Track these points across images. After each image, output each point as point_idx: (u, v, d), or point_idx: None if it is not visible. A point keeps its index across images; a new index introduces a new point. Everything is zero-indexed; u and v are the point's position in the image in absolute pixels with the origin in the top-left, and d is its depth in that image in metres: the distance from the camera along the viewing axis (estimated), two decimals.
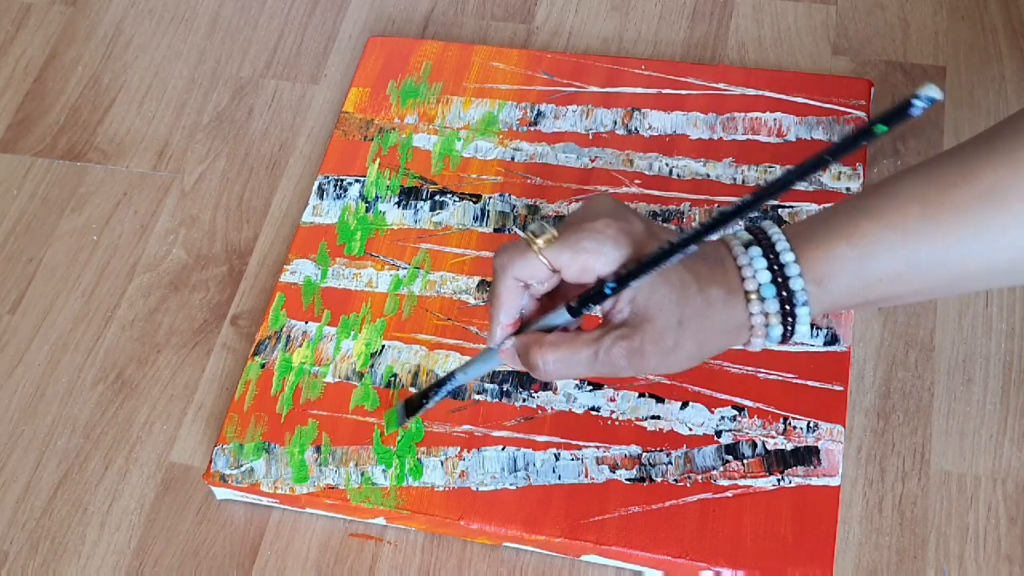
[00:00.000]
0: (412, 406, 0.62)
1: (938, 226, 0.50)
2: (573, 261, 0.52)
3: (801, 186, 0.73)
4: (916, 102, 0.40)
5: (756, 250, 0.52)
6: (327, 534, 0.66)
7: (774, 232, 0.52)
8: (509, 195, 0.75)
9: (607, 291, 0.52)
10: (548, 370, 0.53)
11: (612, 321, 0.53)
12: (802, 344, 0.67)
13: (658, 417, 0.65)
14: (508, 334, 0.55)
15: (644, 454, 0.64)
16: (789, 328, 0.52)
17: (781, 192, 0.47)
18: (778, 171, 0.74)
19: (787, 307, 0.51)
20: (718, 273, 0.52)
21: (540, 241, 0.52)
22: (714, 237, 0.50)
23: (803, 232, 0.52)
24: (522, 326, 0.56)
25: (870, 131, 0.43)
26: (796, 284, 0.51)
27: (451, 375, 0.60)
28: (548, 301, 0.56)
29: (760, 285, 0.51)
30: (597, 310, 0.54)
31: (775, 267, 0.51)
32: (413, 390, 0.68)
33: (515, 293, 0.54)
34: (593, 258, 0.52)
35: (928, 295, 0.54)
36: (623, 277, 0.51)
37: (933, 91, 0.40)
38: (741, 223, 0.53)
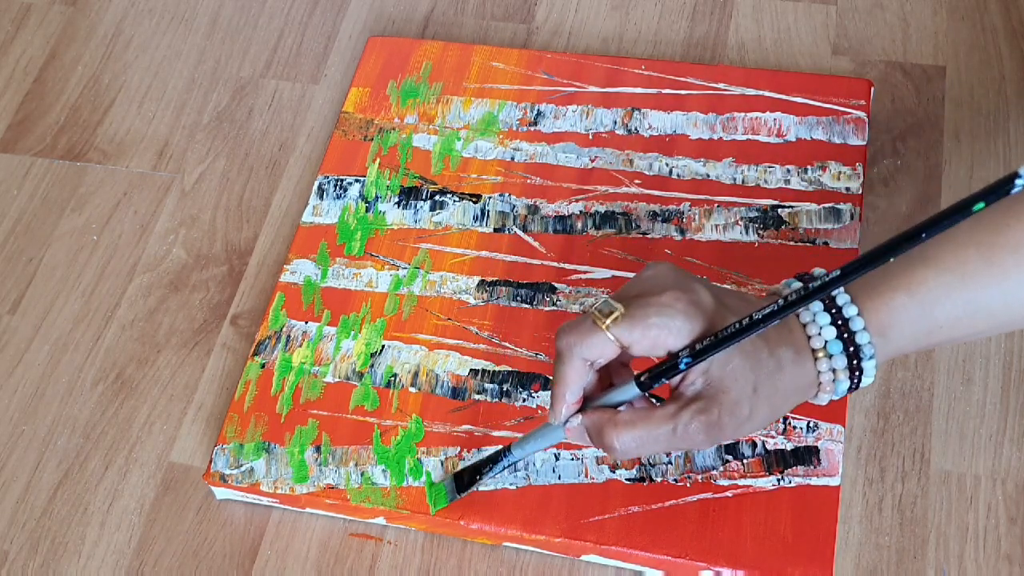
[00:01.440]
0: (464, 482, 0.61)
1: (994, 268, 0.50)
2: (644, 337, 0.51)
3: (801, 186, 0.73)
4: (1019, 181, 0.40)
5: (818, 306, 0.52)
6: (327, 534, 0.66)
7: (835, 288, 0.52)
8: (509, 195, 0.75)
9: (681, 367, 0.51)
10: (625, 449, 0.53)
11: (684, 394, 0.52)
12: None
13: None
14: (573, 412, 0.54)
15: None
16: (856, 381, 0.52)
17: (863, 272, 0.47)
18: (778, 171, 0.74)
19: (855, 361, 0.51)
20: (784, 333, 0.52)
21: (608, 320, 0.51)
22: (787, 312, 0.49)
23: (862, 285, 0.52)
24: (585, 401, 0.55)
25: (968, 208, 0.42)
26: (863, 339, 0.51)
27: (507, 450, 0.59)
28: (606, 373, 0.55)
29: (827, 342, 0.51)
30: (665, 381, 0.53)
31: (839, 322, 0.51)
32: (413, 390, 0.68)
33: (581, 373, 0.53)
34: (664, 334, 0.51)
35: (989, 334, 0.54)
36: (698, 352, 0.51)
37: None
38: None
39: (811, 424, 0.64)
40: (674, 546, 0.61)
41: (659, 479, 0.64)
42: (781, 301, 0.49)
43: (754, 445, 0.64)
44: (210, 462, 0.67)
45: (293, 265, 0.74)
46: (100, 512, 0.68)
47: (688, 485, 0.63)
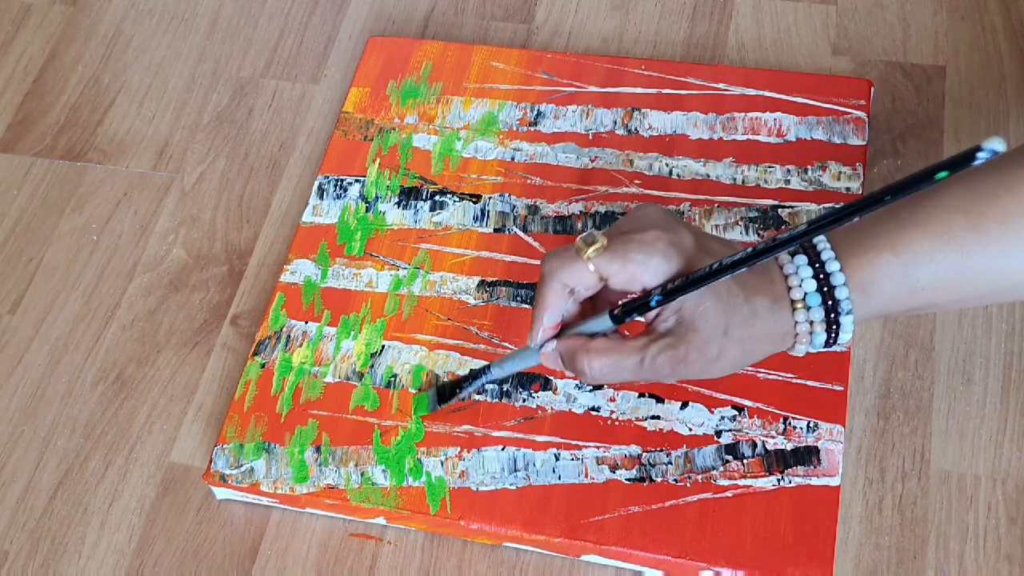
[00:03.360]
0: (445, 394, 0.63)
1: (981, 236, 0.51)
2: (621, 271, 0.53)
3: (801, 186, 0.73)
4: (980, 154, 0.40)
5: (802, 259, 0.52)
6: (327, 534, 0.66)
7: (819, 241, 0.53)
8: (509, 195, 0.75)
9: (652, 303, 0.52)
10: (594, 375, 0.54)
11: (657, 329, 0.53)
12: None
13: (658, 417, 0.65)
14: (549, 336, 0.56)
15: (644, 454, 0.64)
16: (833, 335, 0.53)
17: (835, 226, 0.47)
18: (778, 171, 0.74)
19: (832, 315, 0.52)
20: (764, 282, 0.53)
21: (590, 251, 0.53)
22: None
23: (847, 240, 0.52)
24: (562, 329, 0.56)
25: (931, 176, 0.43)
26: (842, 293, 0.52)
27: (486, 368, 0.61)
28: (589, 305, 0.57)
29: (806, 294, 0.52)
30: (640, 318, 0.54)
31: (820, 276, 0.52)
32: (413, 391, 0.68)
33: (560, 298, 0.55)
34: (641, 269, 0.52)
35: (970, 303, 0.54)
36: (670, 291, 0.52)
37: (998, 144, 0.40)
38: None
39: (811, 424, 0.64)
40: (674, 546, 0.61)
41: (659, 479, 0.64)
42: (751, 249, 0.50)
43: (754, 445, 0.64)
44: (210, 462, 0.67)
45: (293, 265, 0.74)
46: (100, 512, 0.68)
47: (688, 485, 0.63)
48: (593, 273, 0.53)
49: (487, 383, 0.61)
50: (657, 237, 0.53)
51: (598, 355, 0.54)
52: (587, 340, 0.55)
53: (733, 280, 0.52)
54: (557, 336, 0.56)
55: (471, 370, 0.62)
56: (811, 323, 0.52)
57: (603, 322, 0.55)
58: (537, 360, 0.58)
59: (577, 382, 0.67)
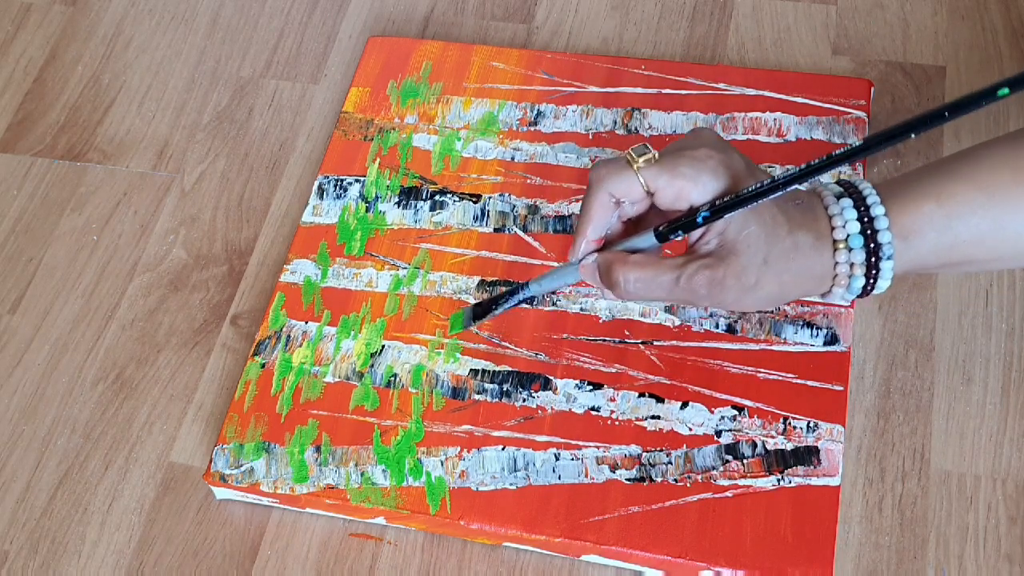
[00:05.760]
0: (480, 311, 0.61)
1: None
2: (670, 185, 0.52)
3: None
4: None
5: (848, 201, 0.53)
6: (327, 534, 0.66)
7: (865, 187, 0.53)
8: (509, 195, 0.75)
9: (699, 220, 0.52)
10: (628, 289, 0.54)
11: (698, 251, 0.53)
12: (803, 344, 0.67)
13: (658, 417, 0.65)
14: (591, 250, 0.56)
15: (644, 454, 0.64)
16: (871, 281, 0.53)
17: (888, 145, 0.48)
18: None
19: (873, 259, 0.52)
20: (809, 219, 0.53)
21: (640, 160, 0.53)
22: (807, 185, 0.51)
23: (893, 189, 0.53)
24: (604, 246, 0.56)
25: (993, 92, 0.43)
26: (884, 237, 0.52)
27: (524, 285, 0.59)
28: (632, 227, 0.56)
29: (849, 235, 0.52)
30: (683, 238, 0.54)
31: (865, 219, 0.52)
32: (413, 391, 0.68)
33: (606, 209, 0.54)
34: (690, 185, 0.52)
35: (1008, 263, 0.55)
36: (717, 208, 0.52)
37: None
38: (830, 176, 0.54)
39: (811, 424, 0.64)
40: (674, 546, 0.61)
41: (659, 479, 0.64)
42: (803, 167, 0.50)
43: (754, 445, 0.64)
44: (210, 462, 0.67)
45: (293, 265, 0.74)
46: (100, 512, 0.68)
47: (688, 485, 0.63)
48: (642, 185, 0.53)
49: (524, 300, 0.59)
50: (709, 155, 0.53)
51: (635, 268, 0.53)
52: (626, 255, 0.54)
53: (779, 212, 0.52)
54: (598, 251, 0.56)
55: (507, 289, 0.60)
56: (851, 265, 0.53)
57: (646, 239, 0.54)
58: (577, 276, 0.56)
59: (577, 382, 0.67)
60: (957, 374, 0.67)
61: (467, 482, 0.65)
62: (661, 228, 0.54)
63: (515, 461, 0.65)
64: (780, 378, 0.66)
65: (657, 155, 0.53)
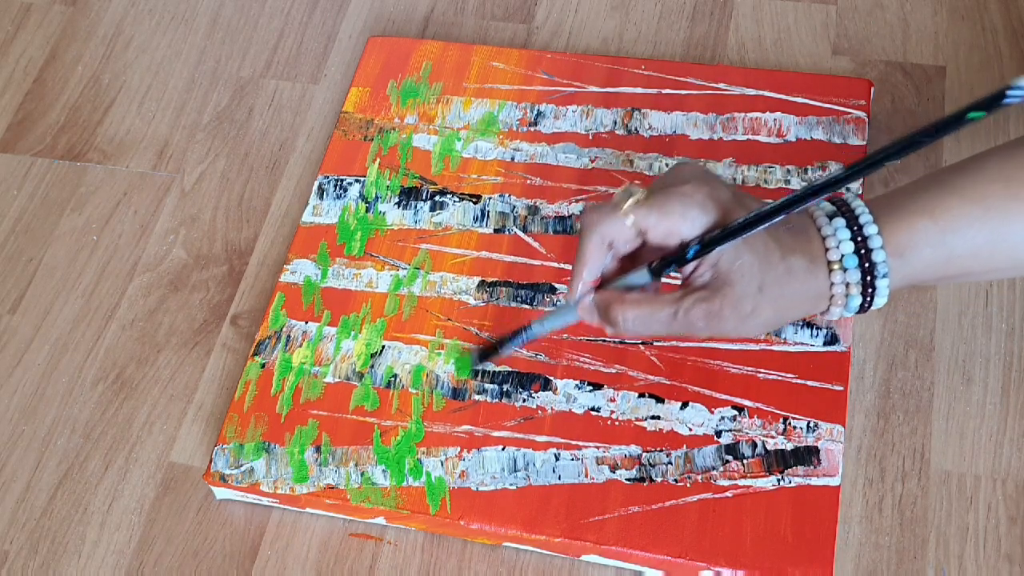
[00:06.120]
0: (486, 352, 0.62)
1: (1020, 203, 0.51)
2: (659, 223, 0.53)
3: (801, 186, 0.72)
4: (1010, 92, 0.40)
5: (840, 221, 0.53)
6: (327, 534, 0.66)
7: (857, 205, 0.53)
8: (509, 195, 0.75)
9: (689, 255, 0.53)
10: (627, 327, 0.55)
11: (693, 284, 0.54)
12: (803, 344, 0.67)
13: (658, 417, 0.65)
14: (588, 291, 0.56)
15: (644, 454, 0.64)
16: (868, 299, 0.53)
17: (871, 171, 0.48)
18: (778, 172, 0.74)
19: (868, 278, 0.52)
20: (801, 242, 0.53)
21: (628, 202, 0.53)
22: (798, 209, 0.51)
23: (885, 205, 0.53)
24: (602, 284, 0.57)
25: (963, 116, 0.43)
26: (879, 256, 0.52)
27: (527, 326, 0.60)
28: (628, 262, 0.57)
29: (843, 256, 0.52)
30: (677, 274, 0.55)
31: (858, 238, 0.52)
32: (413, 391, 0.68)
33: (599, 251, 0.55)
34: (679, 220, 0.53)
35: (1005, 273, 0.55)
36: (707, 242, 0.52)
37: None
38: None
39: (811, 424, 0.64)
40: (674, 546, 0.61)
41: (659, 479, 0.64)
42: (787, 198, 0.50)
43: (754, 445, 0.64)
44: (210, 462, 0.67)
45: (293, 265, 0.74)
46: (100, 512, 0.68)
47: (688, 485, 0.63)
48: (631, 226, 0.53)
49: (527, 341, 0.60)
50: (695, 189, 0.53)
51: (633, 306, 0.54)
52: (623, 293, 0.55)
53: (770, 239, 0.53)
54: (596, 291, 0.56)
55: (512, 332, 0.61)
56: (847, 285, 0.53)
57: (641, 276, 0.55)
58: (576, 316, 0.57)
59: (577, 382, 0.67)
60: (957, 374, 0.67)
61: (467, 482, 0.65)
62: (654, 265, 0.55)
63: (515, 461, 0.65)
64: (780, 378, 0.66)
65: (644, 193, 0.54)
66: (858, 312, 0.54)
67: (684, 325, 0.53)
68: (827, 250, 0.53)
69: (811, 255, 0.53)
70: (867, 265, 0.52)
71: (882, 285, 0.53)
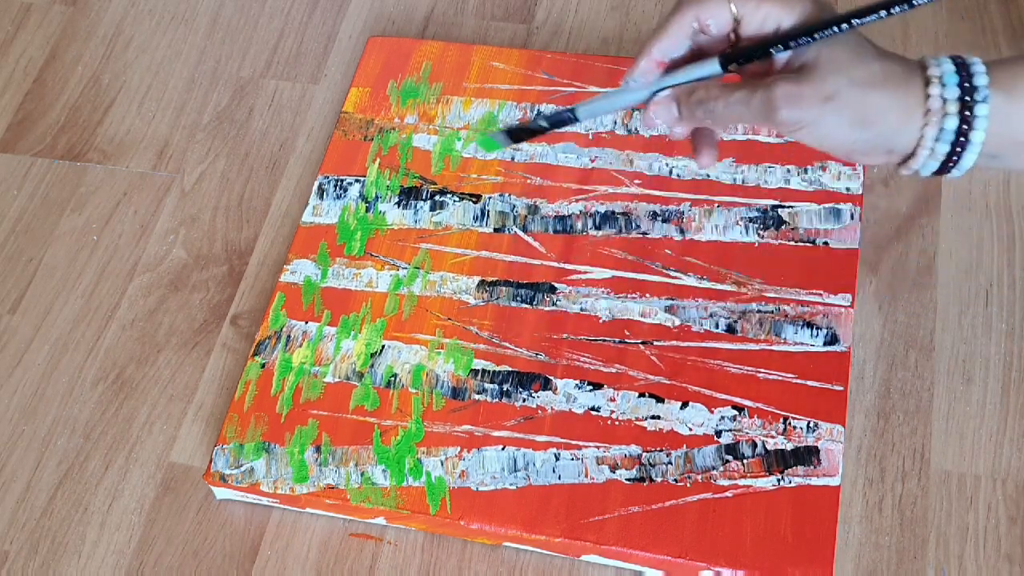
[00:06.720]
0: (521, 131, 0.58)
1: None
2: (758, 9, 0.51)
3: (801, 186, 0.73)
4: None
5: (944, 58, 0.50)
6: (327, 534, 0.66)
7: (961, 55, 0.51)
8: (509, 195, 0.75)
9: (783, 50, 0.50)
10: (713, 107, 0.51)
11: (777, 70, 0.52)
12: (803, 344, 0.67)
13: (658, 417, 0.65)
14: (649, 70, 0.54)
15: (644, 454, 0.64)
16: (965, 127, 0.49)
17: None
18: (778, 172, 0.74)
19: (967, 98, 0.49)
20: (899, 58, 0.51)
21: None
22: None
23: (993, 61, 0.51)
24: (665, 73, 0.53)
25: None
26: (980, 80, 0.49)
27: (571, 108, 0.56)
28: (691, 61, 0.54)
29: (943, 73, 0.49)
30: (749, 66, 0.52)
31: (959, 63, 0.50)
32: (413, 391, 0.68)
33: (684, 31, 0.53)
34: (778, 9, 0.51)
35: None
36: (806, 31, 0.50)
37: None
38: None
39: (811, 424, 0.64)
40: (674, 546, 0.61)
41: (659, 479, 0.64)
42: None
43: (754, 445, 0.64)
44: (210, 462, 0.67)
45: (293, 265, 0.74)
46: (100, 512, 0.68)
47: (688, 485, 0.63)
48: (728, 7, 0.51)
49: (571, 123, 0.56)
50: None
51: (715, 87, 0.51)
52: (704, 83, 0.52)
53: (867, 41, 0.50)
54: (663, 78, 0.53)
55: (546, 115, 0.56)
56: (944, 101, 0.49)
57: (710, 66, 0.52)
58: (629, 100, 0.54)
59: (577, 382, 0.67)
60: (957, 374, 0.67)
61: (467, 482, 0.65)
62: (728, 54, 0.51)
63: (515, 461, 0.65)
64: (780, 378, 0.66)
65: None
66: (943, 166, 0.50)
67: (763, 102, 0.50)
68: (926, 68, 0.50)
69: (908, 65, 0.50)
70: (967, 86, 0.49)
71: (981, 112, 0.49)
